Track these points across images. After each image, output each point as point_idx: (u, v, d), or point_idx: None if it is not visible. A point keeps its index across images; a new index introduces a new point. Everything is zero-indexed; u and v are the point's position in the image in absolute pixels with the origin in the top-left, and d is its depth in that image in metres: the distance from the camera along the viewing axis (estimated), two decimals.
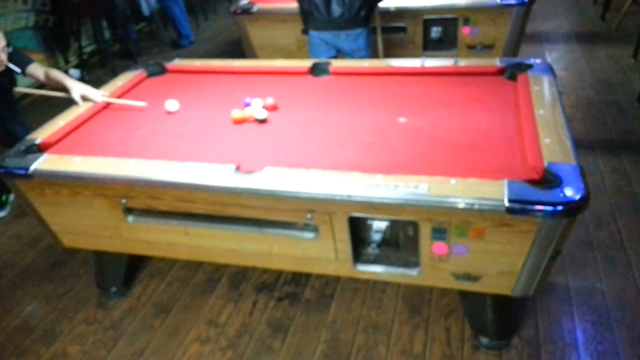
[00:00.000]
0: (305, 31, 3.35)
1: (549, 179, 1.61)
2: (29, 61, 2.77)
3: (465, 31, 3.74)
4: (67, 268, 2.82)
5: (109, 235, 2.19)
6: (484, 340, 2.11)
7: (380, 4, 3.44)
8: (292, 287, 2.53)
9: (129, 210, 2.09)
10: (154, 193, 1.96)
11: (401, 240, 1.90)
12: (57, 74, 2.62)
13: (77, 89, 2.48)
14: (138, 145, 2.16)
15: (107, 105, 2.52)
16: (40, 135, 2.22)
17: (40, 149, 2.16)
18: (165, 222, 2.08)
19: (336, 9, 3.10)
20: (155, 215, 2.09)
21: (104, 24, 5.75)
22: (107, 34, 5.92)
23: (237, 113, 2.26)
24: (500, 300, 1.98)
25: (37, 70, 2.72)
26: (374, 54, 3.60)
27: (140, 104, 2.49)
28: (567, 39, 5.18)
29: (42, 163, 2.02)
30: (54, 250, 2.94)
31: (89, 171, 1.95)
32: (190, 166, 1.89)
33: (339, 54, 3.33)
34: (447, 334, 2.19)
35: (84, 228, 2.21)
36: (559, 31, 5.41)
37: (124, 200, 2.03)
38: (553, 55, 4.84)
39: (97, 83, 2.63)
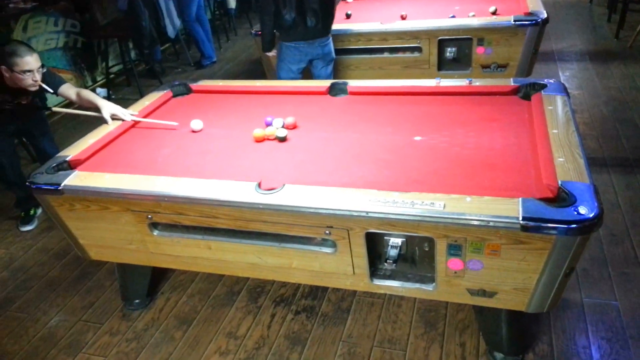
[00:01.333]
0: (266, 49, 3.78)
1: (563, 197, 1.66)
2: (61, 82, 2.90)
3: (479, 51, 3.81)
4: (92, 280, 2.92)
5: (135, 249, 2.27)
6: (499, 356, 2.13)
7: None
8: (310, 301, 2.58)
9: (154, 225, 2.18)
10: (179, 209, 2.04)
11: (417, 256, 1.95)
12: (88, 94, 2.75)
13: (108, 108, 2.59)
14: (164, 163, 2.25)
15: (134, 124, 2.62)
16: (70, 153, 2.33)
17: (71, 165, 2.27)
18: (189, 237, 2.16)
19: (311, 20, 3.44)
20: (179, 230, 2.17)
21: (130, 45, 5.93)
22: (133, 54, 6.10)
23: (258, 132, 2.35)
24: (514, 316, 2.01)
25: (69, 90, 2.86)
26: None
27: (172, 124, 2.58)
28: (581, 58, 5.22)
29: (73, 179, 2.12)
30: (80, 262, 3.04)
31: (118, 187, 2.04)
32: (214, 183, 1.98)
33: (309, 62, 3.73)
34: (462, 349, 2.23)
35: (111, 242, 2.30)
36: (572, 50, 5.45)
37: (150, 216, 2.11)
38: (567, 73, 4.88)
39: (122, 101, 2.75)
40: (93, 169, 2.22)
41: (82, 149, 2.36)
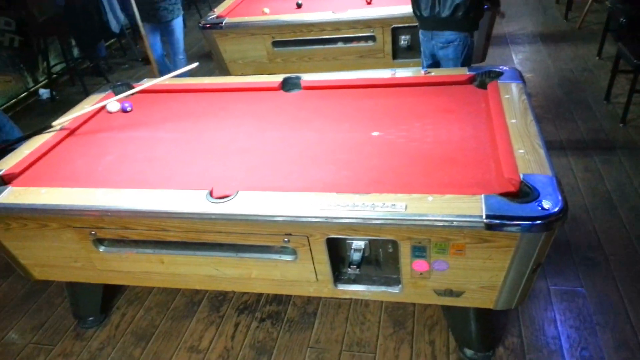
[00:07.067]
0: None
1: (525, 192, 1.61)
2: None
3: None
4: (41, 298, 2.73)
5: (81, 266, 2.12)
6: (469, 352, 2.10)
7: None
8: (274, 307, 2.49)
9: (99, 241, 2.02)
10: (125, 223, 1.89)
11: (381, 258, 1.88)
12: None
13: None
14: (106, 173, 2.09)
15: (72, 132, 2.43)
16: (3, 166, 2.14)
17: (4, 180, 2.08)
18: (139, 251, 2.02)
19: (424, 5, 2.92)
20: (127, 245, 2.03)
21: (72, 42, 5.62)
22: (75, 52, 5.78)
23: None
24: (483, 313, 1.97)
25: None
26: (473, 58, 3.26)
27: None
28: (532, 40, 5.26)
29: (7, 197, 1.94)
30: (27, 280, 2.82)
31: (55, 203, 1.87)
32: (160, 194, 1.84)
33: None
34: (432, 347, 2.18)
35: (54, 260, 2.13)
36: (524, 32, 5.48)
37: (93, 232, 1.96)
38: (519, 56, 4.90)
39: (67, 102, 2.55)
40: (29, 184, 2.04)
41: (16, 162, 2.17)
